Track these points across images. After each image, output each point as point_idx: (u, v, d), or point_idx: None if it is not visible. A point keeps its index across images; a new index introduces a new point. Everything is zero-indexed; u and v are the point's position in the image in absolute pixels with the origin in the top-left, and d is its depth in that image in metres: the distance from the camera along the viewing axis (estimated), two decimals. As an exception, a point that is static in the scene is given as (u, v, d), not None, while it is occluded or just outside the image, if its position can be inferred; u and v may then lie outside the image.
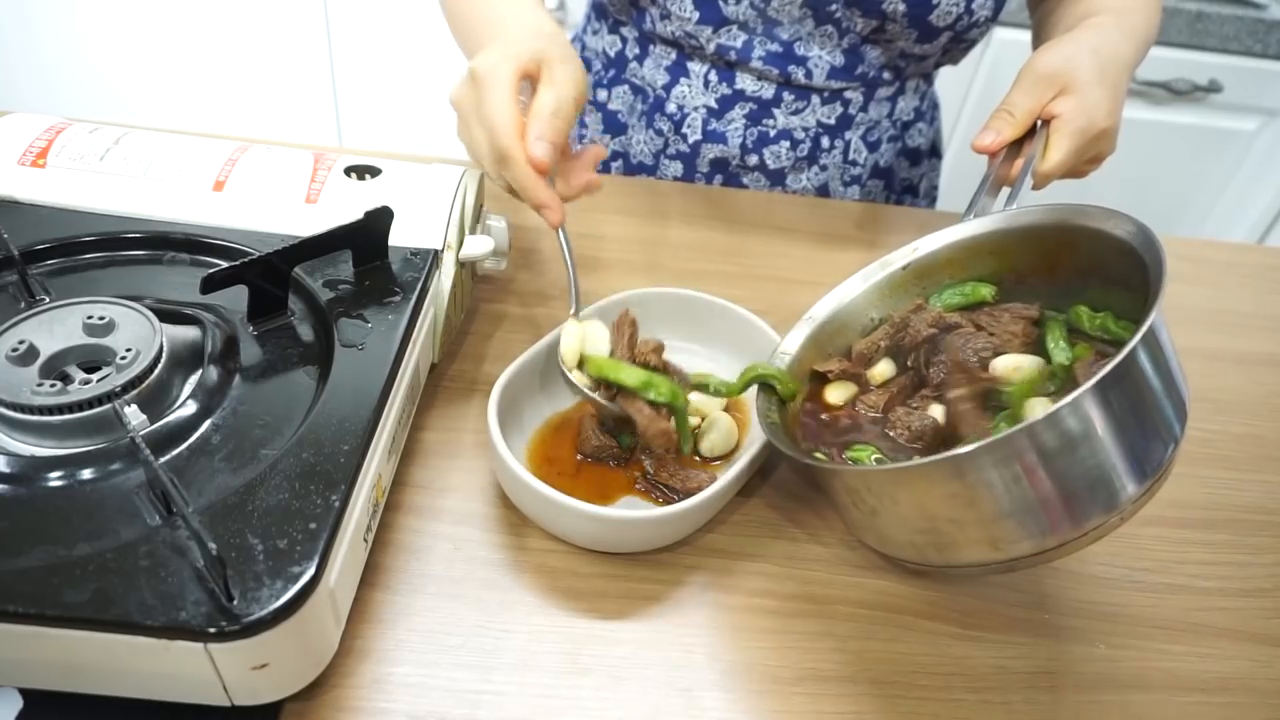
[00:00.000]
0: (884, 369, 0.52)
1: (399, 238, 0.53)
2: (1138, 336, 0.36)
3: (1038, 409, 0.43)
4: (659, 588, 0.47)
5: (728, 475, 0.46)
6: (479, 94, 0.50)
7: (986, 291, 0.52)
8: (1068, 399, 0.35)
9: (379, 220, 0.51)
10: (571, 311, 0.52)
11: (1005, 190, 0.57)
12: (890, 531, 0.44)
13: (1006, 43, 1.40)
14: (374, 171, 0.58)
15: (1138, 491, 0.38)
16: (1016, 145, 0.59)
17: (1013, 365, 0.47)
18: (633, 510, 0.44)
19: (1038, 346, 0.48)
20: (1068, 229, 0.48)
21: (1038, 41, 0.78)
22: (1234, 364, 0.69)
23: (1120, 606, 0.49)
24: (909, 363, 0.52)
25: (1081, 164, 0.60)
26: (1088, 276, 0.48)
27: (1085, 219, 0.47)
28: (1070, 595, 0.49)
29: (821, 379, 0.53)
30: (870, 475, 0.43)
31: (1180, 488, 0.57)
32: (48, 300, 0.47)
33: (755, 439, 0.52)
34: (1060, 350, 0.46)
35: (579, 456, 0.51)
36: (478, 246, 0.56)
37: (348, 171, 0.58)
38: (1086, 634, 0.47)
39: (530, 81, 0.52)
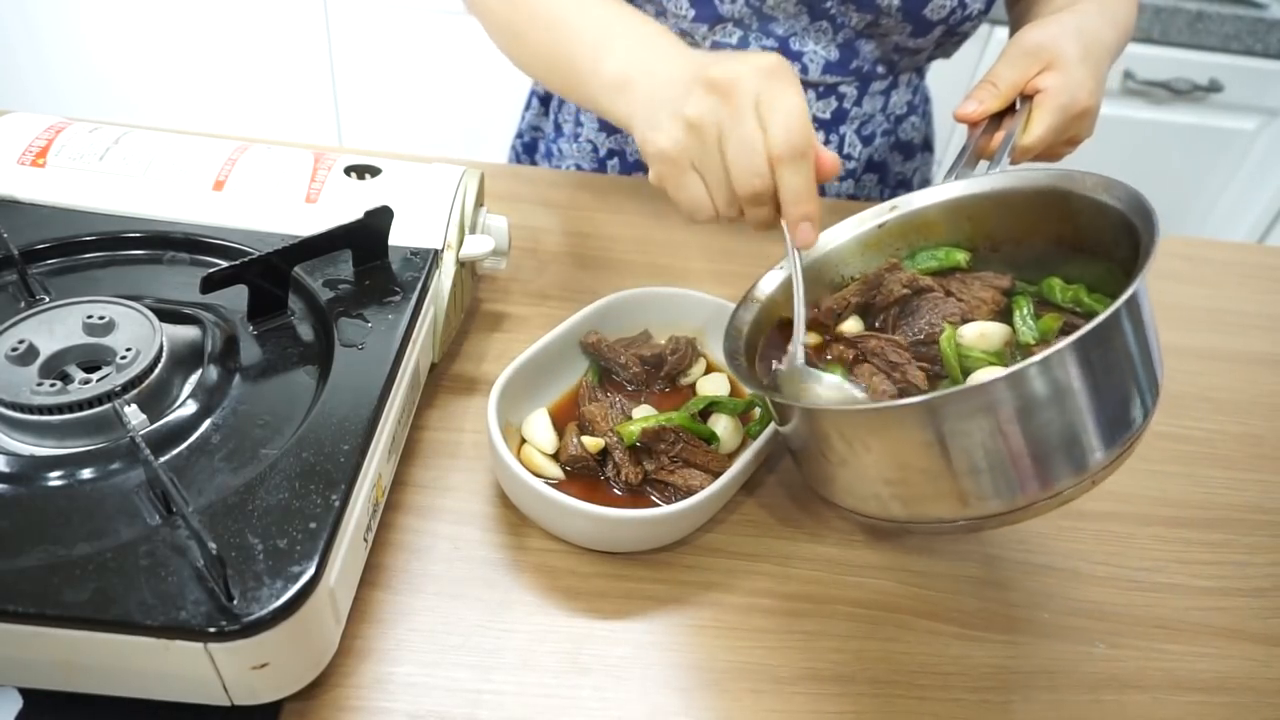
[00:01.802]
0: (852, 325, 0.51)
1: (399, 237, 0.53)
2: (1125, 296, 0.36)
3: (985, 372, 0.43)
4: (659, 587, 0.47)
5: (727, 474, 0.46)
6: (775, 83, 0.44)
7: (961, 257, 0.51)
8: (1050, 350, 0.35)
9: (379, 220, 0.51)
10: (798, 341, 0.47)
11: (984, 163, 0.57)
12: (856, 482, 0.42)
13: (1004, 42, 1.40)
14: (374, 171, 0.58)
15: (1106, 458, 0.38)
16: (997, 119, 0.59)
17: (979, 332, 0.47)
18: (633, 510, 0.44)
19: (1006, 315, 0.48)
20: (1056, 194, 0.47)
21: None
22: (1232, 363, 0.69)
23: (1120, 606, 0.49)
24: (877, 323, 0.51)
25: (1059, 144, 0.60)
26: (1066, 246, 0.48)
27: (1080, 187, 0.46)
28: (1070, 595, 0.49)
29: (788, 325, 0.51)
30: (844, 419, 0.41)
31: (1178, 487, 0.57)
32: (48, 300, 0.47)
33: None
34: (1026, 328, 0.46)
35: (563, 468, 0.50)
36: (478, 246, 0.56)
37: (348, 171, 0.58)
38: (1086, 634, 0.47)
39: None
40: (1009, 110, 0.59)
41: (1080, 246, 0.47)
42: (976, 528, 0.41)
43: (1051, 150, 0.60)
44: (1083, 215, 0.46)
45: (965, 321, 0.48)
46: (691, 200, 0.48)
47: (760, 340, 0.51)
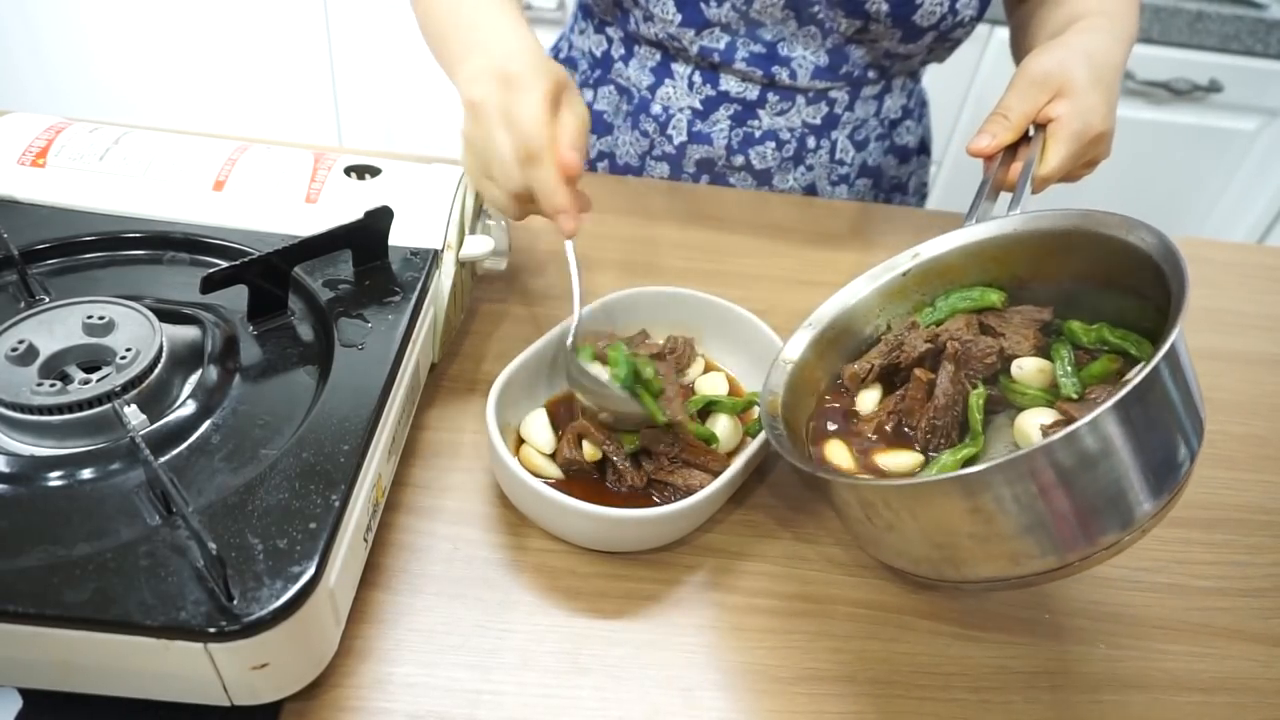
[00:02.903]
0: (869, 399, 0.50)
1: (399, 237, 0.53)
2: (1160, 354, 0.35)
3: (1032, 421, 0.43)
4: (659, 587, 0.47)
5: (726, 474, 0.46)
6: (513, 94, 0.49)
7: (995, 297, 0.51)
8: (1088, 417, 0.35)
9: (379, 220, 0.51)
10: (572, 326, 0.51)
11: (1004, 195, 0.57)
12: (906, 547, 0.43)
13: (1004, 42, 1.40)
14: (374, 171, 0.58)
15: (1154, 508, 0.38)
16: (1011, 149, 0.59)
17: (1029, 368, 0.46)
18: (632, 510, 0.44)
19: (1048, 350, 0.47)
20: (1083, 235, 0.47)
21: (1016, 44, 0.78)
22: (1233, 363, 0.69)
23: (1120, 606, 0.49)
24: (899, 382, 0.50)
25: (1077, 168, 0.60)
26: (1095, 282, 0.47)
27: (1104, 228, 0.45)
28: (1070, 595, 0.49)
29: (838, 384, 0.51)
30: (888, 491, 0.42)
31: (1180, 487, 0.57)
32: (48, 300, 0.47)
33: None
34: (1069, 380, 0.45)
35: (562, 468, 0.50)
36: (478, 246, 0.56)
37: (348, 171, 0.58)
38: (1086, 634, 0.47)
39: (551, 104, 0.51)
40: (1023, 140, 0.59)
41: (1108, 282, 0.46)
42: (1029, 584, 0.41)
43: (1069, 175, 0.60)
44: (1108, 254, 0.45)
45: (1007, 357, 0.47)
46: (491, 200, 0.53)
47: (795, 400, 0.50)
